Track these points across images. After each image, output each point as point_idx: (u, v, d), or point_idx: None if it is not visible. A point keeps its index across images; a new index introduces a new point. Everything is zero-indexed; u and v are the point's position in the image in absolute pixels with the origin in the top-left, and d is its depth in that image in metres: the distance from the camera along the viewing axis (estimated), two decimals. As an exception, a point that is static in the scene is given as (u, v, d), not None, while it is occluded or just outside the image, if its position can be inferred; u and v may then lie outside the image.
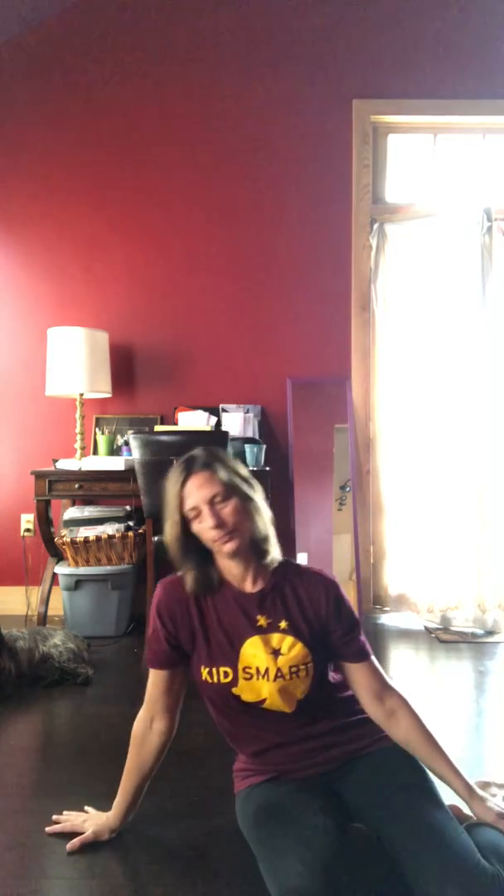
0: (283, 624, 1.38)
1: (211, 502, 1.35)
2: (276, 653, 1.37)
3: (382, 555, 3.45)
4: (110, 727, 2.12)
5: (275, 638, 1.38)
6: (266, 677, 1.37)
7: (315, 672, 1.39)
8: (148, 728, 1.47)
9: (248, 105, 3.47)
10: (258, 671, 1.37)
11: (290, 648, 1.37)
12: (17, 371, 3.49)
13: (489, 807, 1.32)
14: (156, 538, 2.79)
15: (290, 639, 1.37)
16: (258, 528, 1.39)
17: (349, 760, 1.44)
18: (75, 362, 3.12)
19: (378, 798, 1.34)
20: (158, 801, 1.62)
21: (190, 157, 3.48)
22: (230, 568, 1.41)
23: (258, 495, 1.42)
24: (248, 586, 1.41)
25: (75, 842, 1.47)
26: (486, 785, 1.58)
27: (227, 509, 1.35)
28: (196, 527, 1.37)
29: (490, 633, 3.17)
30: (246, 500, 1.38)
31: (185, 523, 1.38)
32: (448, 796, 1.36)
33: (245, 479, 1.41)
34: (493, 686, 2.55)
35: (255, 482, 1.44)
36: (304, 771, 1.42)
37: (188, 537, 1.39)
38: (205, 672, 1.40)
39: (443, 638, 3.09)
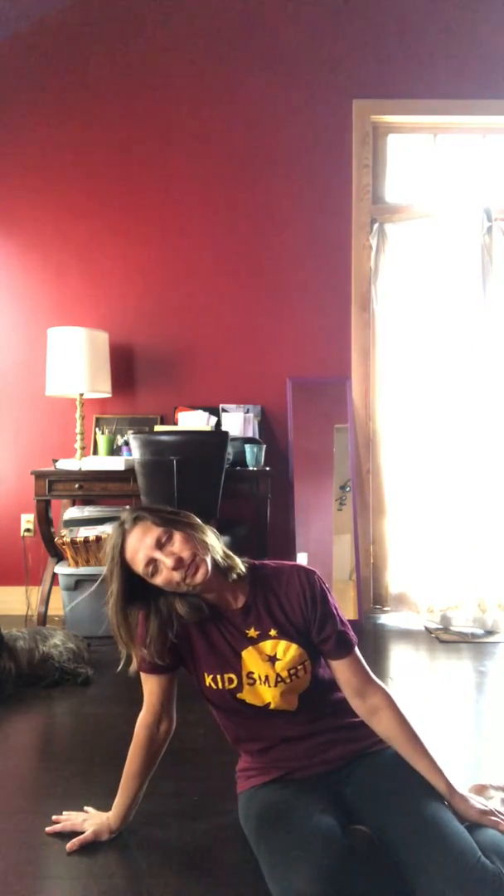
0: (272, 632, 1.38)
1: (159, 546, 1.31)
2: (272, 659, 1.37)
3: (383, 555, 3.45)
4: (110, 727, 2.12)
5: (268, 645, 1.38)
6: (267, 683, 1.38)
7: (313, 667, 1.40)
8: (155, 731, 1.48)
9: (248, 105, 3.47)
10: (259, 678, 1.38)
11: (286, 652, 1.37)
12: (17, 371, 3.49)
13: (471, 804, 1.31)
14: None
15: (283, 643, 1.37)
16: (213, 548, 1.37)
17: (352, 760, 1.44)
18: (75, 362, 3.11)
19: (379, 798, 1.34)
20: (158, 801, 1.62)
21: (190, 157, 3.48)
22: (208, 596, 1.39)
23: (195, 520, 1.40)
24: (231, 604, 1.40)
25: (75, 842, 1.47)
26: (483, 788, 1.58)
27: (177, 544, 1.31)
28: (159, 580, 1.32)
29: (490, 633, 3.17)
30: (187, 528, 1.35)
31: (129, 585, 1.34)
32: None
33: (177, 513, 1.39)
34: (493, 686, 2.54)
35: (187, 512, 1.41)
36: (308, 770, 1.43)
37: (133, 598, 1.35)
38: (209, 679, 1.41)
39: (443, 638, 3.09)
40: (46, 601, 3.09)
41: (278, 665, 1.37)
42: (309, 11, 3.44)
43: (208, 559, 1.33)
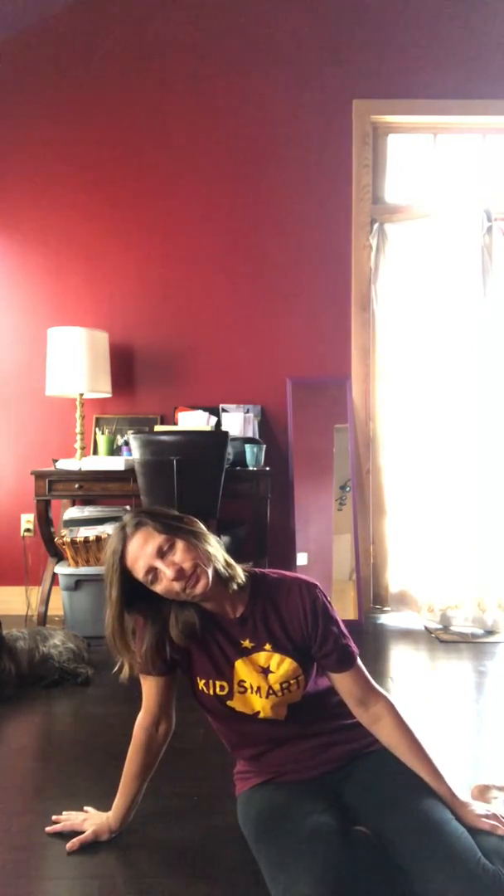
0: (267, 645, 1.36)
1: (160, 555, 1.28)
2: (265, 671, 1.36)
3: (383, 555, 3.45)
4: (110, 727, 2.12)
5: (262, 657, 1.37)
6: (259, 693, 1.37)
7: (307, 682, 1.39)
8: (154, 733, 1.48)
9: (248, 105, 3.47)
10: (251, 687, 1.37)
11: (279, 665, 1.36)
12: (17, 371, 3.49)
13: (471, 810, 1.29)
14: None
15: (277, 656, 1.36)
16: (215, 557, 1.34)
17: (350, 760, 1.43)
18: (75, 362, 3.11)
19: (379, 799, 1.34)
20: (158, 801, 1.62)
21: (190, 157, 3.48)
22: (206, 605, 1.37)
23: (199, 527, 1.37)
24: (229, 613, 1.38)
25: (75, 842, 1.47)
26: (486, 788, 1.58)
27: (178, 554, 1.29)
28: (159, 588, 1.30)
29: (490, 632, 3.17)
30: (190, 536, 1.33)
31: (128, 591, 1.32)
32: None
33: (179, 518, 1.37)
34: (493, 686, 2.54)
35: (190, 517, 1.39)
36: (305, 772, 1.42)
37: (132, 603, 1.34)
38: (201, 683, 1.40)
39: (443, 638, 3.09)
40: (46, 601, 3.09)
41: (271, 677, 1.36)
42: (309, 11, 3.44)
43: (209, 570, 1.31)
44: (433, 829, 1.22)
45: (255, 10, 3.44)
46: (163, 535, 1.30)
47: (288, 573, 1.44)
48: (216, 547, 1.36)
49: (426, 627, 3.24)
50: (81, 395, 3.20)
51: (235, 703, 1.39)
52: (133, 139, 3.48)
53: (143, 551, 1.29)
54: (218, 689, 1.38)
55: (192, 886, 1.35)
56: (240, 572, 1.38)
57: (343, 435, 3.48)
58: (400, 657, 2.92)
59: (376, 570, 3.47)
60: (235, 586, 1.36)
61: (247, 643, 1.37)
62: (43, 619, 3.06)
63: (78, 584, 3.04)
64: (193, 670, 1.41)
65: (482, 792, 1.57)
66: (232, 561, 1.39)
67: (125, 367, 3.49)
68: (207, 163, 3.48)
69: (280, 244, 3.49)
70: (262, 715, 1.38)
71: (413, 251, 3.41)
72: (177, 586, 1.28)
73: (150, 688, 1.47)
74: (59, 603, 3.20)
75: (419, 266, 3.40)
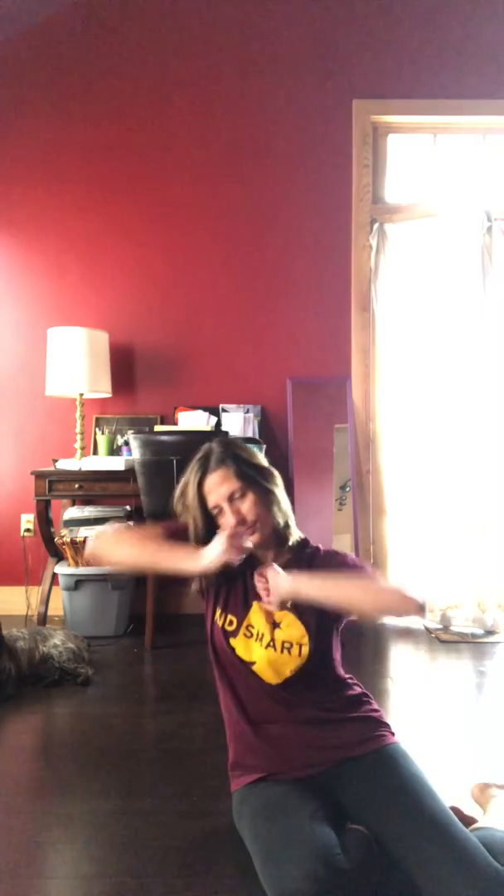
0: (289, 602, 1.40)
1: (230, 499, 1.39)
2: (275, 624, 1.42)
3: (383, 555, 3.45)
4: (110, 727, 2.12)
5: (278, 612, 1.41)
6: (261, 641, 1.41)
7: (309, 656, 1.41)
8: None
9: (248, 105, 3.47)
10: (257, 634, 1.42)
11: (290, 626, 1.41)
12: (17, 371, 3.49)
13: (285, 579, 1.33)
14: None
15: (291, 616, 1.41)
16: (277, 519, 1.43)
17: (339, 763, 1.41)
18: (75, 362, 3.12)
19: (377, 799, 1.33)
20: (158, 801, 1.62)
21: (190, 157, 3.48)
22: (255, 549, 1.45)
23: (276, 483, 1.46)
24: (268, 559, 1.46)
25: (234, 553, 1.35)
26: (486, 787, 1.59)
27: (246, 505, 1.39)
28: (221, 521, 1.41)
29: (490, 632, 3.17)
30: (264, 493, 1.41)
31: (207, 517, 1.42)
32: (448, 798, 1.35)
33: (261, 470, 1.45)
34: (493, 686, 2.54)
35: (272, 471, 1.48)
36: (296, 772, 1.41)
37: (210, 530, 1.42)
38: (217, 612, 1.46)
39: (443, 638, 3.09)
40: (46, 601, 3.09)
41: (277, 632, 1.41)
42: (309, 12, 3.44)
43: (268, 528, 1.41)
44: (438, 829, 1.21)
45: (255, 10, 3.44)
46: (239, 483, 1.39)
47: (332, 550, 1.52)
48: (283, 511, 1.45)
49: (426, 627, 3.24)
50: (81, 395, 3.20)
51: (237, 644, 1.43)
52: (133, 140, 3.48)
53: (217, 489, 1.40)
54: (227, 624, 1.44)
55: (191, 886, 1.35)
56: (293, 535, 1.48)
57: (343, 435, 3.48)
58: (400, 657, 2.91)
59: (376, 570, 3.46)
60: (288, 545, 1.46)
61: None
62: (43, 619, 3.06)
63: (78, 584, 3.04)
64: (218, 599, 1.47)
65: (482, 790, 1.58)
66: (293, 524, 1.48)
67: (125, 367, 3.49)
68: (208, 163, 3.48)
69: (280, 244, 3.49)
70: (256, 667, 1.42)
71: (413, 251, 3.41)
72: (237, 530, 1.37)
73: (152, 532, 1.47)
74: (59, 603, 3.20)
75: (419, 266, 3.40)
